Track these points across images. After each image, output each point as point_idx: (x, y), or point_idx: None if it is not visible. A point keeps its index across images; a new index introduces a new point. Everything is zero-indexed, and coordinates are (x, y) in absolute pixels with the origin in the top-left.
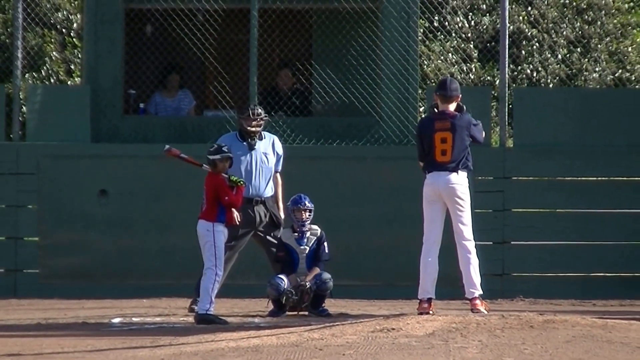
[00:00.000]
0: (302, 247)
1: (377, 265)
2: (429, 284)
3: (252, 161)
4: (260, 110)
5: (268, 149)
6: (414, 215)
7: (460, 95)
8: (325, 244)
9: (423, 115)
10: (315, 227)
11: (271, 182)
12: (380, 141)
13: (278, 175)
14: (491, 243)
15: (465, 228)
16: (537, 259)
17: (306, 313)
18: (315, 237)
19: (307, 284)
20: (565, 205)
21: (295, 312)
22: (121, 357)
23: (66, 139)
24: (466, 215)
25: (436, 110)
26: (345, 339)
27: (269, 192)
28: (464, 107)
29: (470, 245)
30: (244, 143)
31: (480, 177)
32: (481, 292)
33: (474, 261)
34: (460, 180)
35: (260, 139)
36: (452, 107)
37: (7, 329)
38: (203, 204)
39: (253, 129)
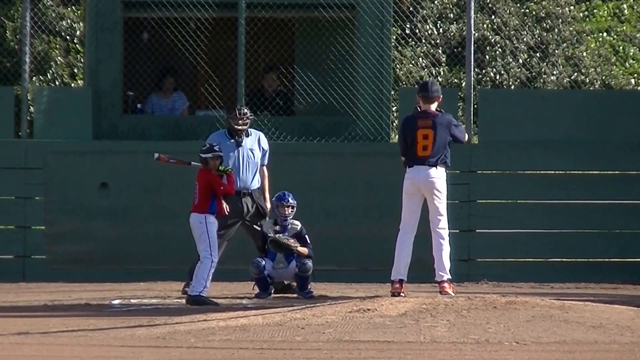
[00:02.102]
0: (278, 234)
1: (353, 251)
2: (402, 267)
3: (240, 157)
4: (246, 110)
5: (254, 145)
6: (387, 206)
7: (441, 96)
8: (307, 236)
9: (396, 115)
10: (296, 222)
11: (257, 175)
12: (357, 138)
13: (264, 168)
14: (458, 231)
15: (442, 218)
16: (500, 246)
17: (290, 295)
18: (294, 232)
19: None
20: (525, 196)
21: (281, 295)
22: (121, 335)
23: (70, 136)
24: (442, 207)
25: (419, 109)
26: (325, 318)
27: (255, 184)
28: (442, 111)
29: (444, 233)
30: (232, 140)
31: (447, 171)
32: (450, 277)
33: (446, 248)
34: (438, 175)
35: (247, 136)
36: (433, 107)
37: (16, 310)
38: (195, 198)
39: (240, 127)
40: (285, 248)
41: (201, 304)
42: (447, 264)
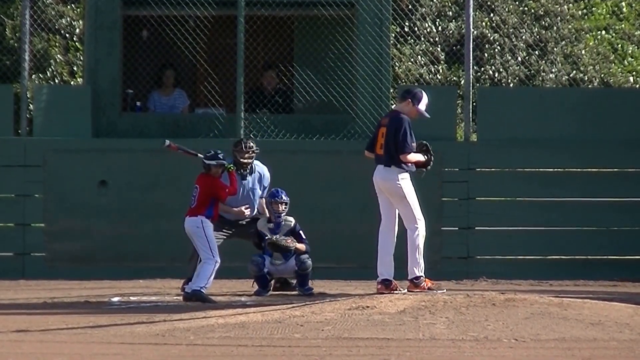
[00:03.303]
0: (275, 235)
1: (352, 248)
2: (381, 267)
3: (240, 194)
4: (252, 143)
5: (256, 184)
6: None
7: (409, 100)
8: (301, 232)
9: None
10: (290, 218)
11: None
12: (356, 136)
13: (263, 200)
14: (457, 228)
15: (405, 217)
16: (499, 243)
17: (289, 292)
18: (288, 229)
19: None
20: (524, 194)
21: (280, 292)
22: (120, 332)
23: (69, 134)
24: (403, 207)
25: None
26: (324, 316)
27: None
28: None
29: (410, 232)
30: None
31: (446, 169)
32: (417, 275)
33: (411, 246)
34: (390, 175)
35: (251, 172)
36: (402, 106)
37: (16, 307)
38: (193, 201)
39: (245, 160)
40: (284, 248)
41: (199, 300)
42: (412, 262)
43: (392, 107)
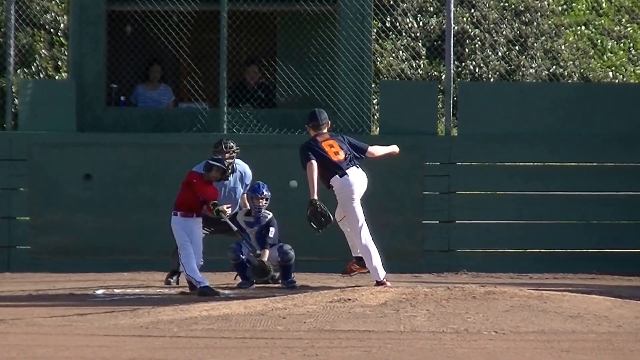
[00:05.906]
0: (252, 228)
1: (334, 242)
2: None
3: (221, 194)
4: (232, 143)
5: (237, 183)
6: (368, 197)
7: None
8: (272, 228)
9: (376, 107)
10: (268, 212)
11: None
12: (338, 131)
13: (245, 195)
14: (438, 222)
15: None
16: (479, 237)
17: (272, 285)
18: (264, 222)
19: (263, 254)
20: (504, 187)
21: (263, 285)
22: (104, 324)
23: (54, 128)
24: None
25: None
26: (306, 308)
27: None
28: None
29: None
30: None
31: (428, 163)
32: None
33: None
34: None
35: (233, 171)
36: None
37: (1, 300)
38: (181, 198)
39: (226, 160)
40: (265, 273)
41: (208, 294)
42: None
43: (324, 131)
